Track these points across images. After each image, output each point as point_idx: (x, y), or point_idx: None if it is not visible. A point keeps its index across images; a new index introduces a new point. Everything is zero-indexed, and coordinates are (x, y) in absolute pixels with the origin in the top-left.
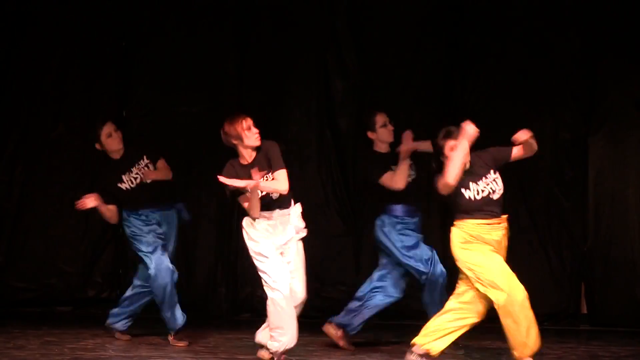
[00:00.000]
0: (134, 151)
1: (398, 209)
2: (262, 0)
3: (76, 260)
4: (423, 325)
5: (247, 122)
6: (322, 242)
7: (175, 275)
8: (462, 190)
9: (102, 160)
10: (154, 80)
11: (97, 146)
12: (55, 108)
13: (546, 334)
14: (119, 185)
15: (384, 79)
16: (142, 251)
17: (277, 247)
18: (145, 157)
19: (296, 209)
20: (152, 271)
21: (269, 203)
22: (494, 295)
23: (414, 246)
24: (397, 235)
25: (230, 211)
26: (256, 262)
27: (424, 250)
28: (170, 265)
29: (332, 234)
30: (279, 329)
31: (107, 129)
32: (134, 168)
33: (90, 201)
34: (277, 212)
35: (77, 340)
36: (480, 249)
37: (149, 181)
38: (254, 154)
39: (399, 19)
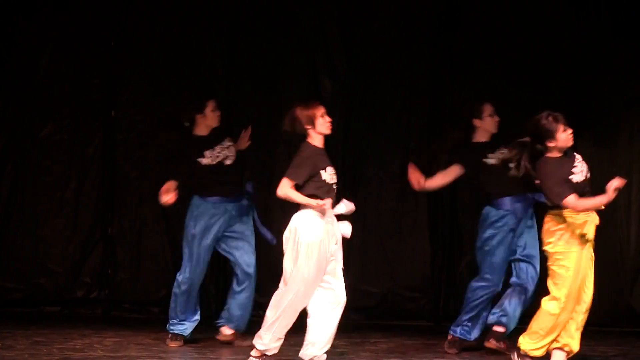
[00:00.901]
0: (220, 131)
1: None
2: (251, 1)
3: (65, 260)
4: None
5: (322, 109)
6: None
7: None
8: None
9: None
10: (143, 80)
11: (199, 116)
12: (44, 107)
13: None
14: (199, 159)
15: (373, 79)
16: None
17: (329, 255)
18: (228, 138)
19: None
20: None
21: (334, 194)
22: None
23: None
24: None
25: None
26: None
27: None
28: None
29: None
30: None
31: (214, 103)
32: (218, 147)
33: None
34: (335, 209)
35: (65, 340)
36: None
37: (228, 163)
38: (322, 143)
39: (388, 20)
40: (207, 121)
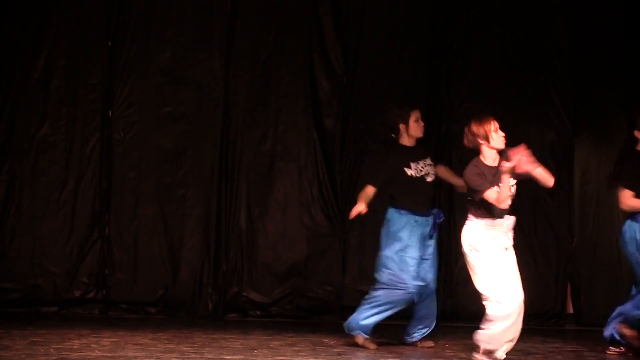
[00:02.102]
0: (425, 146)
1: None
2: (248, 1)
3: (62, 261)
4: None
5: (495, 124)
6: (308, 242)
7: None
8: None
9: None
10: (140, 79)
11: (402, 127)
12: (41, 108)
13: (532, 333)
14: (405, 169)
15: (369, 79)
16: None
17: (500, 256)
18: (430, 158)
19: (512, 218)
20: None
21: (500, 210)
22: None
23: None
24: None
25: (217, 211)
26: (478, 272)
27: None
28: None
29: (318, 234)
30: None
31: (417, 114)
32: (422, 161)
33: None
34: (504, 219)
35: (63, 340)
36: None
37: (429, 180)
38: (498, 157)
39: (384, 19)
40: (410, 131)
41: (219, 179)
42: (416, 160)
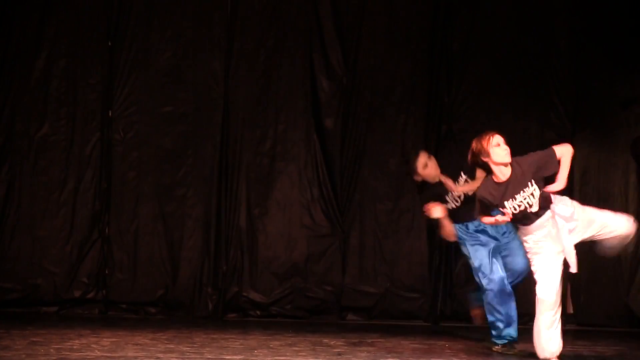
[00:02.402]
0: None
1: None
2: (247, 1)
3: (62, 261)
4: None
5: (495, 138)
6: (308, 242)
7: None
8: None
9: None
10: (140, 79)
11: (416, 177)
12: (41, 108)
13: (531, 333)
14: (447, 206)
15: (370, 79)
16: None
17: (557, 251)
18: (462, 173)
19: (555, 200)
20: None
21: (529, 217)
22: None
23: None
24: None
25: (217, 211)
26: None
27: None
28: (502, 273)
29: (318, 234)
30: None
31: (422, 159)
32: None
33: (437, 210)
34: (539, 221)
35: (63, 340)
36: None
37: (470, 194)
38: (508, 172)
39: (384, 19)
40: (424, 174)
41: (219, 179)
42: (449, 192)
